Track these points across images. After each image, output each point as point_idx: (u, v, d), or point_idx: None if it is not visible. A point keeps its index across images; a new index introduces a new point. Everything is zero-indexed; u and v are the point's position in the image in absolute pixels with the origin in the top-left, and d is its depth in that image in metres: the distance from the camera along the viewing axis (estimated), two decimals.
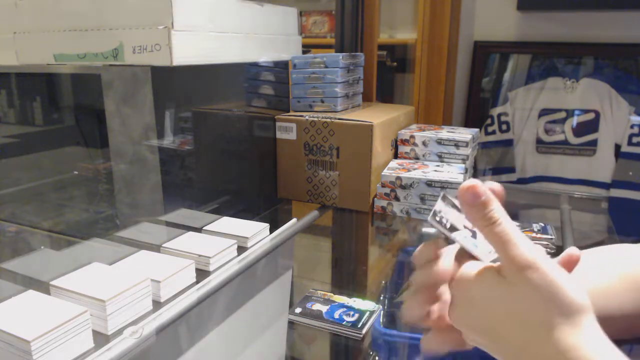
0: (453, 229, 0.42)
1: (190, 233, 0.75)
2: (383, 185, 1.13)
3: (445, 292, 0.42)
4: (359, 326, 0.84)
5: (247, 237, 0.74)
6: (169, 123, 0.93)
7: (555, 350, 0.31)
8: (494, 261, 0.40)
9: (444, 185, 1.09)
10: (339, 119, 1.10)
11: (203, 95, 1.01)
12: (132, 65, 0.78)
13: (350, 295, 0.95)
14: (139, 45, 0.76)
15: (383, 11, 2.04)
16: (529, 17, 1.86)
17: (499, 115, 1.94)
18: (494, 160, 1.96)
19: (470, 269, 0.38)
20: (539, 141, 1.91)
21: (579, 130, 1.85)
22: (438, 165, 1.19)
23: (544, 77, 1.88)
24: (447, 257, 0.41)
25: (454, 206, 0.42)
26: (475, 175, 1.67)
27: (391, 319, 0.92)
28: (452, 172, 1.14)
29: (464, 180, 1.18)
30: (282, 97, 1.21)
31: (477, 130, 1.31)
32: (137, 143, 0.86)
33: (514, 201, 1.57)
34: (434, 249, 0.41)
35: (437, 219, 0.41)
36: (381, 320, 0.88)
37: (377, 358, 0.84)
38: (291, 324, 0.87)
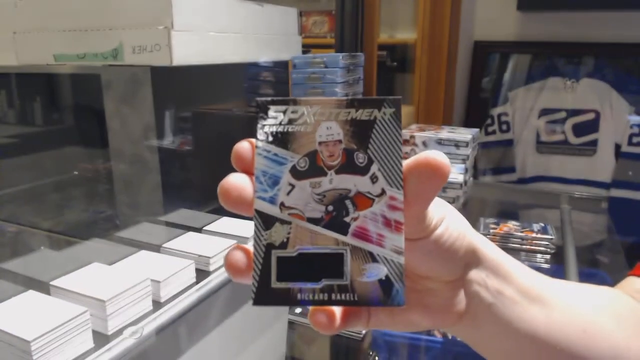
0: None
1: (190, 233, 0.75)
2: None
3: None
4: None
5: (247, 237, 0.74)
6: (169, 123, 0.93)
7: None
8: None
9: (444, 186, 1.08)
10: None
11: (203, 95, 1.01)
12: (132, 65, 0.78)
13: None
14: (139, 45, 0.76)
15: (383, 11, 2.04)
16: (529, 17, 1.87)
17: (499, 115, 1.94)
18: (494, 160, 1.96)
19: None
20: (539, 141, 1.91)
21: (579, 130, 1.85)
22: None
23: (544, 77, 1.88)
24: None
25: None
26: (475, 176, 1.67)
27: None
28: (452, 172, 1.14)
29: (464, 180, 1.18)
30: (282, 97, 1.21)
31: (477, 130, 1.31)
32: (137, 143, 0.86)
33: (514, 201, 1.57)
34: None
35: None
36: None
37: (377, 358, 0.84)
38: (291, 324, 0.87)
